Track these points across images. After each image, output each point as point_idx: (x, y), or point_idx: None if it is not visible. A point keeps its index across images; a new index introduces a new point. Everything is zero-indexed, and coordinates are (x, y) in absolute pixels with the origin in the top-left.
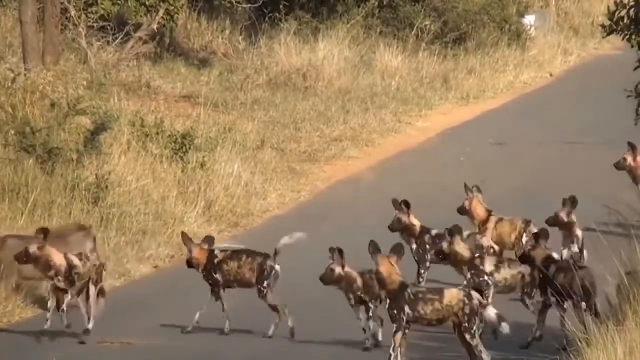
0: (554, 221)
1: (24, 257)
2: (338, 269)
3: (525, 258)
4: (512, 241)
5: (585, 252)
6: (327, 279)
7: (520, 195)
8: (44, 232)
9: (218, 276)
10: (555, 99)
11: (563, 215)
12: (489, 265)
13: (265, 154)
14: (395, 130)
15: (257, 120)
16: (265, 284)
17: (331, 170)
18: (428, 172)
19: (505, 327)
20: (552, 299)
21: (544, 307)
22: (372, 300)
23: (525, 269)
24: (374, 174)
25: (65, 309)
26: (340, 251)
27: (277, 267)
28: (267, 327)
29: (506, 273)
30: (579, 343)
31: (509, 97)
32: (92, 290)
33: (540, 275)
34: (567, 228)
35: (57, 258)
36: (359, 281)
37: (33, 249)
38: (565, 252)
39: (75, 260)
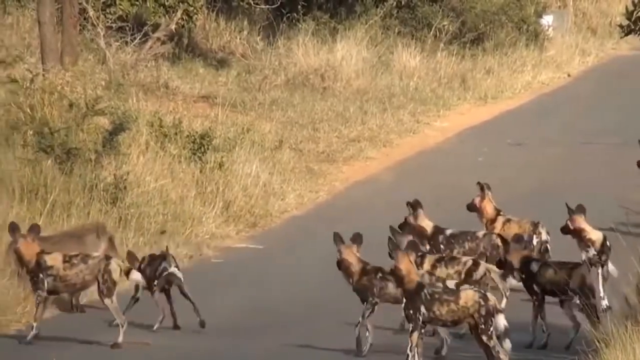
0: (563, 231)
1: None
2: (337, 255)
3: (501, 265)
4: None
5: (605, 256)
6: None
7: (539, 195)
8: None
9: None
10: (573, 99)
11: (569, 223)
12: (427, 265)
13: (283, 154)
14: (414, 130)
15: (275, 121)
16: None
17: (349, 170)
18: (446, 172)
19: (508, 343)
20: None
21: (538, 305)
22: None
23: (462, 268)
24: (392, 175)
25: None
26: (337, 236)
27: (172, 269)
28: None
29: (442, 272)
30: (597, 343)
31: (527, 98)
32: (109, 303)
33: (523, 276)
34: (577, 235)
35: (28, 253)
36: (355, 278)
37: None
38: (583, 256)
39: (50, 261)
